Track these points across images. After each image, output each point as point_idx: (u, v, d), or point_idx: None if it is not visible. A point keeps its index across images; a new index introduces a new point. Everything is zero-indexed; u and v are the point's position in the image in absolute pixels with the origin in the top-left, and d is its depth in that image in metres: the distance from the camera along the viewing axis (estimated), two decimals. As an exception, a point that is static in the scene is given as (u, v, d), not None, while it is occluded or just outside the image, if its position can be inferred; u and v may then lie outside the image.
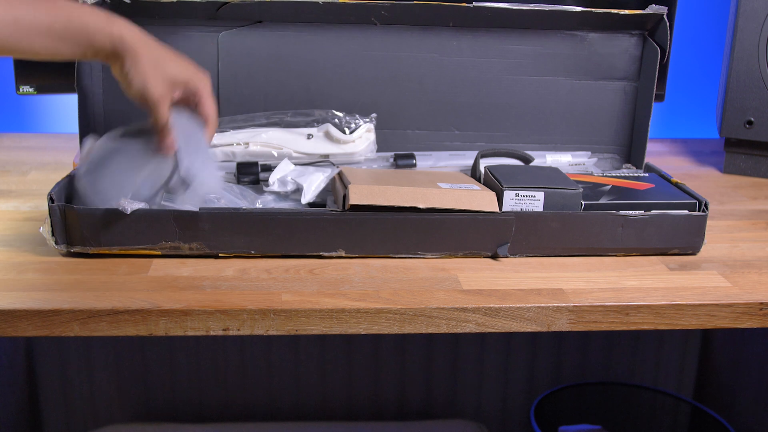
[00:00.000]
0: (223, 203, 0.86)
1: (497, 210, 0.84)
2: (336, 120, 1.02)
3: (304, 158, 1.00)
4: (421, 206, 0.82)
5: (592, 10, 1.00)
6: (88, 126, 0.98)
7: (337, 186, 0.88)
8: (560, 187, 0.86)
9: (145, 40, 0.79)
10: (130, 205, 0.79)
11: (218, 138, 0.99)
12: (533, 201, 0.85)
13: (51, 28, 0.75)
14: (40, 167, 1.18)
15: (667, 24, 1.02)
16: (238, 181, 0.97)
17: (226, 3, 0.97)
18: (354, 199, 0.81)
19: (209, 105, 0.85)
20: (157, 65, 0.79)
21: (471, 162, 1.02)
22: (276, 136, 1.00)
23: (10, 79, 1.21)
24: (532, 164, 1.02)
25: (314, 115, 1.03)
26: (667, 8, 1.01)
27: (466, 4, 0.99)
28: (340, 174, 0.89)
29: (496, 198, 0.85)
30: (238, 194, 0.90)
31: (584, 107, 1.08)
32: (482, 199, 0.84)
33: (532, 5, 1.00)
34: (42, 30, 0.75)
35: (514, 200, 0.85)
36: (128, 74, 0.79)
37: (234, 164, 0.98)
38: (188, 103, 0.85)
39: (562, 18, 1.02)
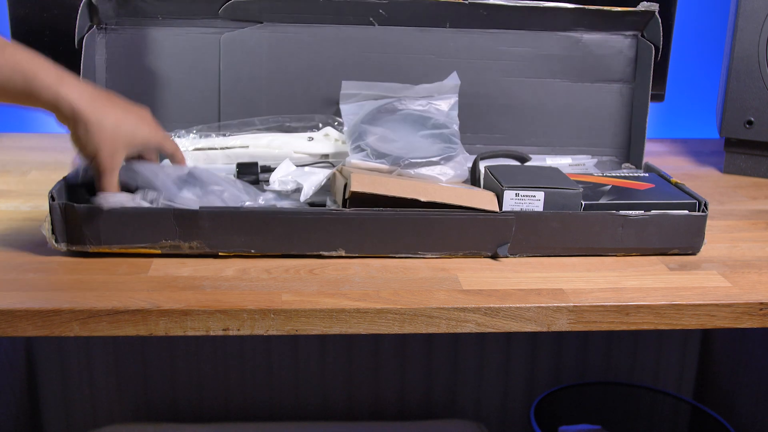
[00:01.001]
0: (226, 196, 0.86)
1: (497, 210, 0.84)
2: (336, 124, 1.03)
3: (304, 158, 1.00)
4: (422, 199, 0.82)
5: (586, 7, 1.01)
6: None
7: (337, 180, 0.87)
8: (560, 187, 0.86)
9: (97, 105, 0.76)
10: (106, 202, 0.79)
11: (219, 141, 1.00)
12: (533, 201, 0.85)
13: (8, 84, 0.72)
14: (40, 167, 1.18)
15: (659, 21, 1.02)
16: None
17: (228, 1, 0.97)
18: (356, 186, 0.81)
19: (169, 147, 0.85)
20: (112, 136, 0.77)
21: (469, 164, 1.02)
22: (277, 138, 1.00)
23: (10, 79, 1.21)
24: (532, 164, 1.03)
25: (315, 120, 1.03)
26: (658, 5, 1.01)
27: (462, 1, 1.00)
28: (340, 169, 0.89)
29: (496, 198, 0.85)
30: (241, 189, 0.90)
31: (581, 109, 1.09)
32: (483, 198, 0.84)
33: (526, 2, 1.00)
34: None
35: (514, 200, 0.85)
36: (80, 140, 0.77)
37: (233, 165, 0.98)
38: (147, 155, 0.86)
39: (556, 15, 1.02)
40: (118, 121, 0.78)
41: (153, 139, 0.82)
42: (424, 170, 0.91)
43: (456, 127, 0.96)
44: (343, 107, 1.00)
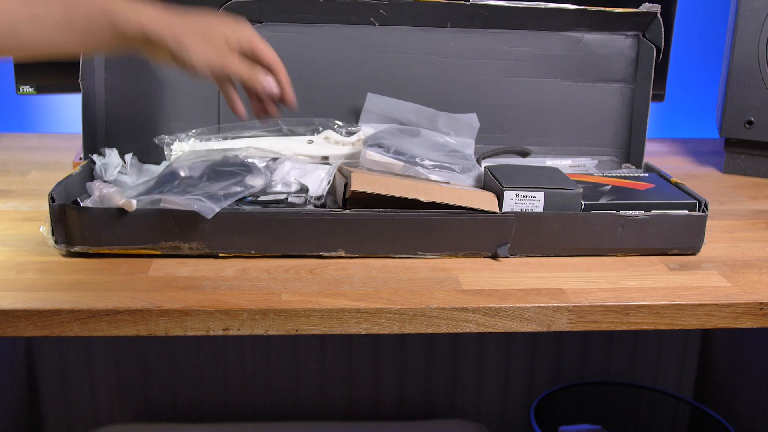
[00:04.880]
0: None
1: (497, 210, 0.84)
2: (336, 126, 1.03)
3: (304, 161, 1.00)
4: (422, 199, 0.82)
5: (587, 8, 1.01)
6: (91, 125, 0.98)
7: (337, 180, 0.87)
8: (560, 188, 0.86)
9: (176, 18, 0.75)
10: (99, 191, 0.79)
11: (218, 144, 0.99)
12: (533, 201, 0.85)
13: (71, 21, 0.71)
14: (40, 167, 1.18)
15: (661, 22, 1.02)
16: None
17: (228, 1, 0.97)
18: (356, 185, 0.81)
19: (266, 51, 0.80)
20: (204, 35, 0.75)
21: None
22: (277, 141, 1.01)
23: (10, 79, 1.21)
24: (532, 164, 1.03)
25: (314, 124, 1.04)
26: (660, 6, 1.01)
27: (463, 1, 1.00)
28: (340, 168, 0.89)
29: (496, 199, 0.85)
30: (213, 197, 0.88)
31: (582, 109, 1.09)
32: (483, 198, 0.84)
33: (528, 3, 1.00)
34: (62, 23, 0.71)
35: (515, 200, 0.85)
36: (180, 55, 0.75)
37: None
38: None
39: (557, 16, 1.02)
40: (203, 27, 0.76)
41: (238, 34, 0.78)
42: (437, 175, 0.92)
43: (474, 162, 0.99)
44: (363, 125, 1.02)
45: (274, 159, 0.94)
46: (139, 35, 0.74)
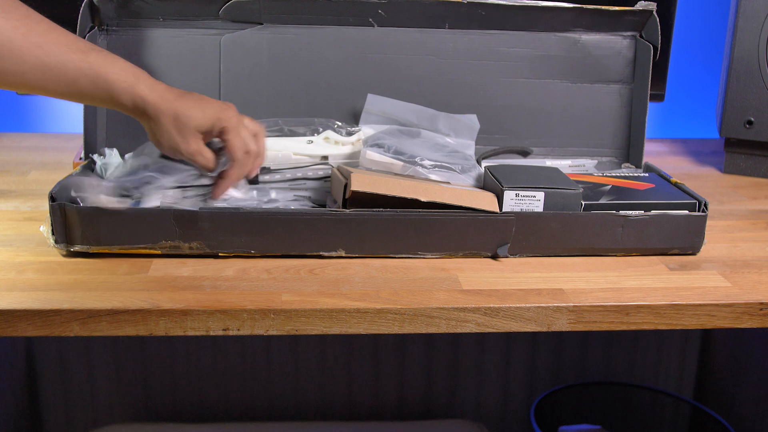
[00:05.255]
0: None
1: (497, 210, 0.84)
2: (336, 126, 1.03)
3: (304, 161, 1.00)
4: (422, 199, 0.82)
5: (584, 6, 1.01)
6: (91, 125, 0.98)
7: (336, 180, 0.87)
8: (560, 188, 0.86)
9: (167, 99, 0.79)
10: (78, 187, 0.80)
11: (218, 143, 0.99)
12: (533, 201, 0.85)
13: (77, 81, 0.76)
14: (40, 167, 1.18)
15: (657, 20, 1.02)
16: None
17: (228, 2, 0.97)
18: (356, 185, 0.81)
19: (234, 140, 0.83)
20: (179, 122, 0.79)
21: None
22: (277, 141, 1.01)
23: (10, 79, 1.21)
24: (532, 164, 1.03)
25: (314, 123, 1.04)
26: (655, 4, 1.01)
27: (461, 1, 1.00)
28: (339, 168, 0.89)
29: (496, 199, 0.85)
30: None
31: (580, 110, 1.09)
32: (483, 198, 0.84)
33: (525, 1, 1.00)
34: (69, 81, 0.76)
35: (514, 200, 0.85)
36: (156, 135, 0.80)
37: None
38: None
39: (554, 15, 1.02)
40: (186, 110, 0.80)
41: (218, 122, 0.82)
42: (437, 175, 0.92)
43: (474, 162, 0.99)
44: (363, 126, 1.02)
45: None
46: (133, 111, 0.79)
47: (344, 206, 0.83)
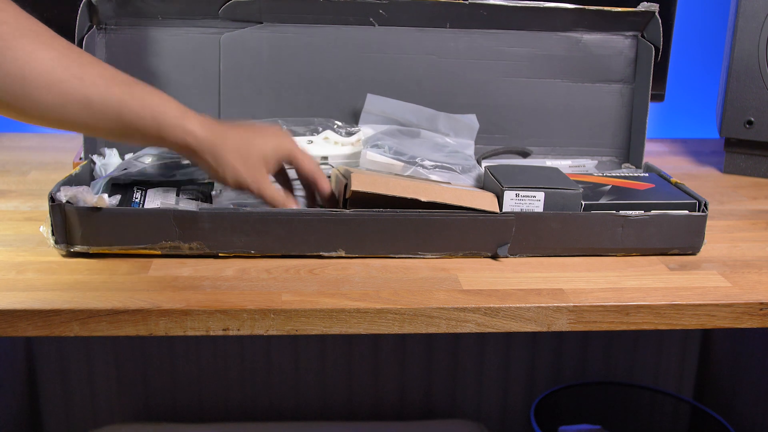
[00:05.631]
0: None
1: (497, 210, 0.84)
2: (335, 126, 1.03)
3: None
4: (423, 199, 0.82)
5: (586, 7, 1.01)
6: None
7: (337, 181, 0.87)
8: (561, 188, 0.86)
9: (220, 132, 0.77)
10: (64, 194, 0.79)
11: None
12: (533, 201, 0.85)
13: (120, 116, 0.73)
14: (40, 167, 1.18)
15: (659, 21, 1.02)
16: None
17: (228, 1, 0.97)
18: (356, 185, 0.81)
19: (304, 162, 0.83)
20: (241, 153, 0.78)
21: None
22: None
23: (10, 79, 1.21)
24: (532, 164, 1.03)
25: (314, 124, 1.04)
26: (658, 5, 1.01)
27: (462, 1, 1.00)
28: (339, 169, 0.89)
29: (496, 199, 0.85)
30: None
31: (581, 109, 1.09)
32: (483, 199, 0.84)
33: (526, 2, 1.00)
34: (111, 116, 0.73)
35: (515, 200, 0.85)
36: (217, 170, 0.78)
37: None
38: (282, 168, 0.85)
39: (556, 16, 1.02)
40: (244, 141, 0.78)
41: (279, 147, 0.81)
42: (438, 175, 0.92)
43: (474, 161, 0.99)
44: (363, 126, 1.02)
45: None
46: (183, 148, 0.77)
47: (344, 206, 0.83)
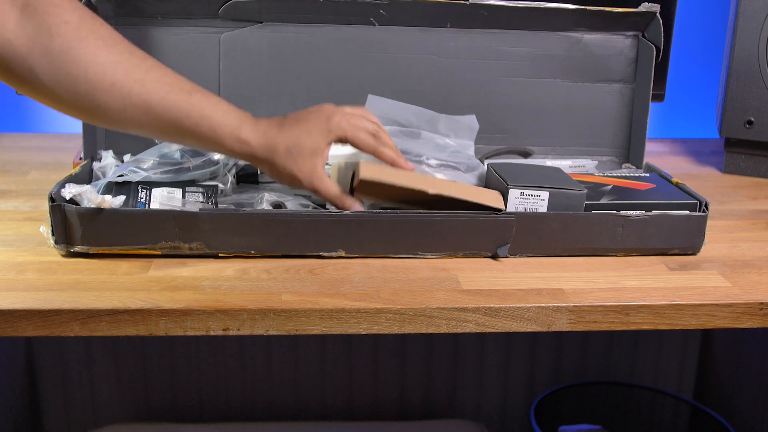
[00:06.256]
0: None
1: (503, 207, 0.84)
2: None
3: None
4: (430, 191, 0.82)
5: (587, 8, 1.01)
6: (91, 125, 0.98)
7: (343, 171, 0.87)
8: (565, 188, 0.86)
9: (272, 137, 0.78)
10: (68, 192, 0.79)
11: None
12: (537, 200, 0.85)
13: (179, 122, 0.74)
14: (40, 167, 1.18)
15: (660, 22, 1.02)
16: (238, 182, 0.97)
17: (228, 1, 0.97)
18: (365, 174, 0.81)
19: (360, 139, 0.82)
20: (293, 154, 0.78)
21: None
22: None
23: (10, 79, 1.21)
24: (534, 163, 1.03)
25: None
26: (659, 5, 1.01)
27: (462, 1, 1.00)
28: (344, 163, 0.89)
29: (502, 197, 0.85)
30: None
31: (582, 109, 1.09)
32: (489, 195, 0.84)
33: (527, 2, 1.00)
34: (170, 121, 0.74)
35: (519, 199, 0.85)
36: (277, 175, 0.80)
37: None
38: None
39: (557, 16, 1.02)
40: (302, 140, 0.79)
41: (333, 132, 0.80)
42: (443, 173, 0.92)
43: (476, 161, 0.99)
44: None
45: None
46: (240, 156, 0.78)
47: (351, 193, 0.83)
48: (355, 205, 0.82)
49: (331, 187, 0.81)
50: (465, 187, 0.84)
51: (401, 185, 0.82)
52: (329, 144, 0.81)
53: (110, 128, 0.76)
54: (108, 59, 0.70)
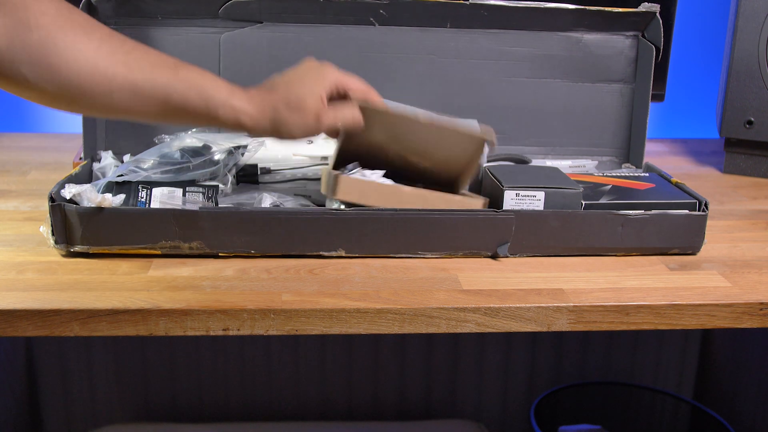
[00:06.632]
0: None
1: (487, 138, 0.86)
2: None
3: (304, 161, 1.00)
4: (421, 120, 0.85)
5: (586, 8, 1.01)
6: (91, 125, 0.98)
7: (330, 176, 0.88)
8: (561, 187, 0.86)
9: (269, 101, 0.77)
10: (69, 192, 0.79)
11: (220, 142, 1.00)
12: (534, 201, 0.85)
13: (168, 99, 0.73)
14: (40, 167, 1.18)
15: (660, 22, 1.02)
16: (238, 182, 0.97)
17: (228, 1, 0.97)
18: (362, 102, 0.82)
19: (355, 85, 0.83)
20: (297, 108, 0.78)
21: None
22: (277, 141, 1.00)
23: (10, 79, 1.21)
24: (532, 164, 1.03)
25: None
26: (659, 5, 1.01)
27: (462, 1, 1.00)
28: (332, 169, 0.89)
29: (488, 203, 0.86)
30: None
31: (581, 109, 1.09)
32: (472, 203, 0.86)
33: (527, 2, 1.00)
34: (160, 100, 0.73)
35: (515, 200, 0.85)
36: (281, 135, 0.78)
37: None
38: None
39: (556, 16, 1.02)
40: (293, 98, 0.78)
41: (327, 83, 0.80)
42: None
43: None
44: None
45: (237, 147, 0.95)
46: (234, 124, 0.77)
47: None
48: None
49: (341, 112, 0.81)
50: (452, 120, 0.85)
51: (396, 113, 0.83)
52: (326, 89, 0.80)
53: (100, 116, 0.74)
54: (89, 45, 0.70)
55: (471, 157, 0.88)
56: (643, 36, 1.06)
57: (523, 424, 1.49)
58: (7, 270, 0.79)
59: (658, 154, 1.35)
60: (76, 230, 0.80)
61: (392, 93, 1.04)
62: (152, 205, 0.84)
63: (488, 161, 1.07)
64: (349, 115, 0.81)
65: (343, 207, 0.83)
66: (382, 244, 0.84)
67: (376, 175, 0.87)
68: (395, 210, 0.83)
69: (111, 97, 0.71)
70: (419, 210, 0.83)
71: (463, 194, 0.90)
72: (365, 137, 0.85)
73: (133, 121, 0.77)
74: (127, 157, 0.97)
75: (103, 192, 0.85)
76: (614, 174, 0.99)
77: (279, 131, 0.78)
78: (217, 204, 0.87)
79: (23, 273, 0.78)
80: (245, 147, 0.95)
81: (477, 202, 0.87)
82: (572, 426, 1.41)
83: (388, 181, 0.87)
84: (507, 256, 0.86)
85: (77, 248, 0.81)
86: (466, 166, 0.89)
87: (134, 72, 0.71)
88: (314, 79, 0.80)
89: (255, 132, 0.79)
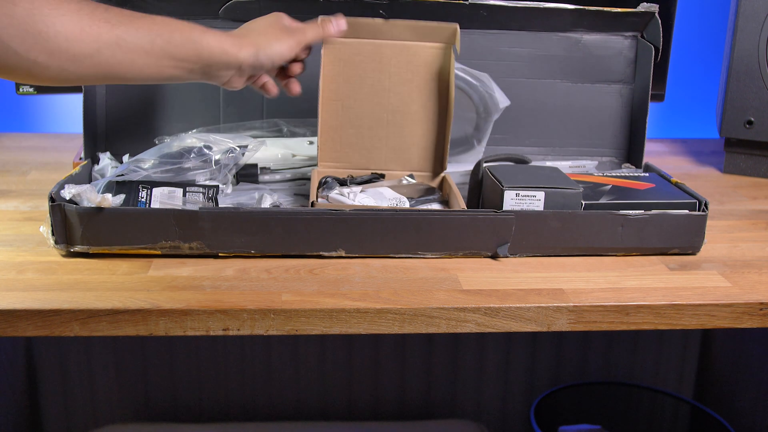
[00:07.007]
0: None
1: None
2: None
3: (304, 161, 1.00)
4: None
5: (586, 8, 1.01)
6: (92, 125, 0.98)
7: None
8: (561, 187, 0.86)
9: (247, 34, 0.82)
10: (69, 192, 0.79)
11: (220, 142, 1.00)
12: (533, 201, 0.85)
13: (153, 44, 0.75)
14: (40, 167, 1.18)
15: (659, 22, 1.02)
16: (238, 182, 0.97)
17: (228, 1, 0.97)
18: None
19: (310, 27, 0.89)
20: (275, 32, 0.84)
21: (470, 167, 1.02)
22: (277, 141, 1.01)
23: (10, 79, 1.21)
24: (532, 164, 1.02)
25: (314, 124, 1.03)
26: (658, 6, 1.01)
27: (462, 1, 1.00)
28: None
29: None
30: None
31: (581, 110, 1.09)
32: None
33: (526, 2, 1.00)
34: (145, 47, 0.75)
35: (515, 200, 0.85)
36: (271, 57, 0.83)
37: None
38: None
39: (556, 16, 1.02)
40: (271, 26, 0.85)
41: (296, 40, 0.86)
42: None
43: None
44: None
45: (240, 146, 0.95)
46: (220, 53, 0.79)
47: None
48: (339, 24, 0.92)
49: (308, 27, 0.88)
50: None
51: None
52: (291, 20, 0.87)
53: (89, 83, 0.78)
54: (69, 8, 0.71)
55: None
56: (642, 36, 1.06)
57: (523, 424, 1.49)
58: (7, 270, 0.79)
59: (658, 154, 1.35)
60: (76, 230, 0.80)
61: (392, 93, 1.04)
62: (152, 205, 0.84)
63: (488, 161, 1.07)
64: (320, 32, 0.89)
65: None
66: (382, 244, 0.84)
67: (354, 193, 0.88)
68: (395, 210, 0.83)
69: (99, 56, 0.73)
70: (419, 210, 0.83)
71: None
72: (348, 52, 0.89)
73: (122, 82, 0.78)
74: (126, 158, 0.97)
75: (103, 192, 0.85)
76: (614, 174, 0.99)
77: (264, 51, 0.82)
78: (217, 204, 0.87)
79: (23, 273, 0.78)
80: (245, 147, 0.95)
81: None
82: (572, 426, 1.41)
83: (369, 200, 0.88)
84: (507, 256, 0.86)
85: (77, 248, 0.81)
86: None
87: (116, 26, 0.73)
88: (277, 15, 0.87)
89: (239, 59, 0.80)
